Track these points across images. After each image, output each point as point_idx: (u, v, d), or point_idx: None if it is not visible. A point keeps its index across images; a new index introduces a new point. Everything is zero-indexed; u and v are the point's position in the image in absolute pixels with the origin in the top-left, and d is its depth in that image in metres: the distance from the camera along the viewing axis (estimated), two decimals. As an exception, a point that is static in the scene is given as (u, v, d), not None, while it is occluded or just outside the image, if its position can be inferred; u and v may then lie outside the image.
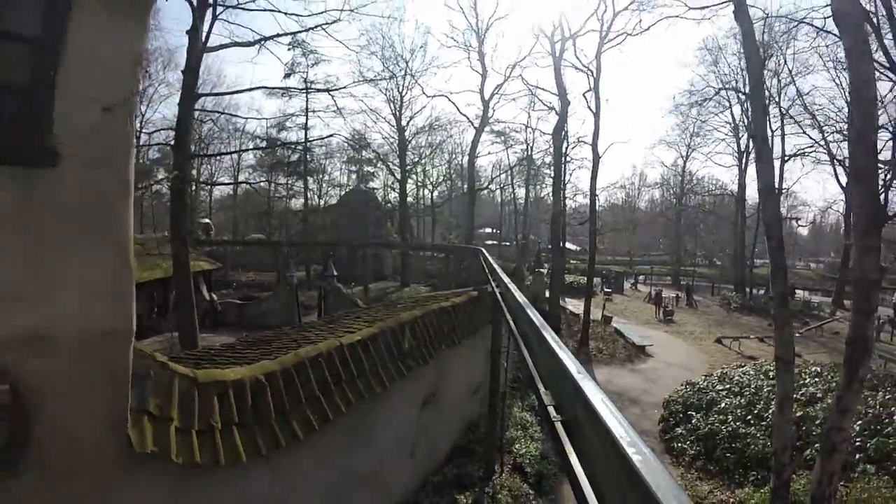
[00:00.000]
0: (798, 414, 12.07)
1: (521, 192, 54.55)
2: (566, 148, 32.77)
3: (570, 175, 36.98)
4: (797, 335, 23.78)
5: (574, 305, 28.25)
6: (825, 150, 33.85)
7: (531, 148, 44.62)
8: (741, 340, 21.93)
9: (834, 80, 31.62)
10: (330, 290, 22.75)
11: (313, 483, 6.11)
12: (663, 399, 14.47)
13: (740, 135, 37.62)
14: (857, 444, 10.84)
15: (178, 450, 4.10)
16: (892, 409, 12.15)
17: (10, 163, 2.59)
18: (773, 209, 7.14)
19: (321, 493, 6.27)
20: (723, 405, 12.77)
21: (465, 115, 46.57)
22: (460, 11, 42.49)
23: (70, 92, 2.73)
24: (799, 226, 42.17)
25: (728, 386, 14.19)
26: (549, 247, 30.91)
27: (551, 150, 30.87)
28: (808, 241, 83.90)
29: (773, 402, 12.55)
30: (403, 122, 37.35)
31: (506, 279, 9.51)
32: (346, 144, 45.33)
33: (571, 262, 61.87)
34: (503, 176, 51.35)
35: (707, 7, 18.93)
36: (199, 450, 4.28)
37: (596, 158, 21.64)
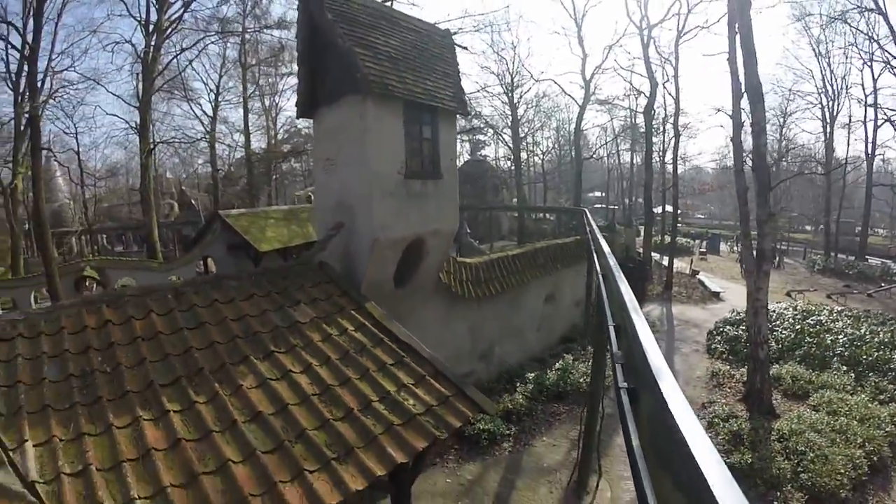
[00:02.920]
0: (798, 326, 16.34)
1: (627, 157, 57.57)
2: (663, 120, 36.17)
3: (669, 142, 39.77)
4: (866, 295, 25.41)
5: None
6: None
7: (634, 116, 47.55)
8: (805, 294, 24.61)
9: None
10: (464, 244, 28.92)
11: (493, 323, 12.14)
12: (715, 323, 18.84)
13: (825, 103, 37.99)
14: (839, 351, 14.71)
15: (453, 286, 10.19)
16: (877, 333, 15.70)
17: (433, 178, 8.58)
18: (741, 184, 11.59)
19: (495, 330, 12.31)
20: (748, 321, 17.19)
21: (569, 95, 50.23)
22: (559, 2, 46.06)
23: (442, 155, 8.67)
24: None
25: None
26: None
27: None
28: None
29: (783, 323, 16.86)
30: (515, 100, 42.16)
31: (596, 231, 14.82)
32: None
33: (679, 224, 63.77)
34: (609, 143, 54.71)
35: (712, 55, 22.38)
36: (460, 289, 10.37)
37: (677, 136, 26.12)
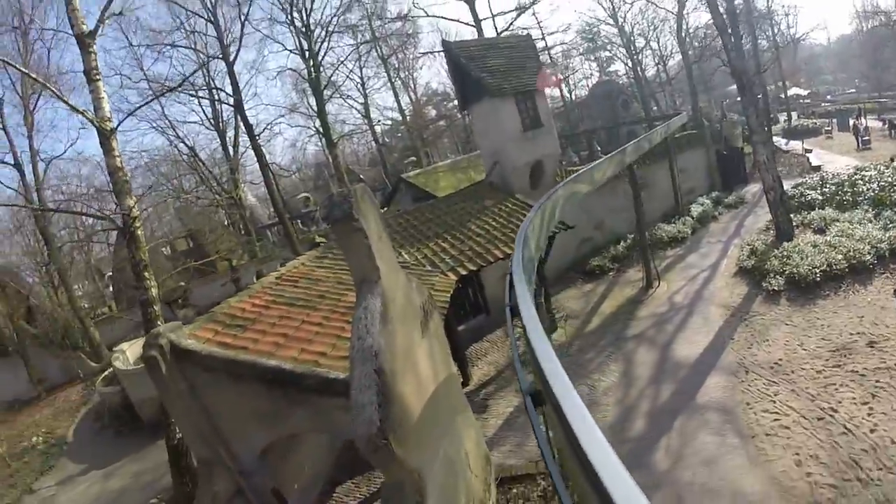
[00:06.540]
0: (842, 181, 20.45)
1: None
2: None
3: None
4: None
5: (789, 145, 35.34)
6: None
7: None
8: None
9: None
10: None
11: (600, 205, 19.41)
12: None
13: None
14: (870, 196, 17.80)
15: (563, 184, 17.85)
16: None
17: (538, 128, 16.21)
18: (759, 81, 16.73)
19: (604, 209, 19.57)
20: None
21: (663, 7, 51.02)
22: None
23: (540, 112, 16.22)
24: None
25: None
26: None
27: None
28: None
29: (836, 179, 20.99)
30: (619, 22, 45.53)
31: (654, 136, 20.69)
32: (578, 39, 53.78)
33: (825, 103, 61.04)
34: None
35: None
36: (566, 185, 17.99)
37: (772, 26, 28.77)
